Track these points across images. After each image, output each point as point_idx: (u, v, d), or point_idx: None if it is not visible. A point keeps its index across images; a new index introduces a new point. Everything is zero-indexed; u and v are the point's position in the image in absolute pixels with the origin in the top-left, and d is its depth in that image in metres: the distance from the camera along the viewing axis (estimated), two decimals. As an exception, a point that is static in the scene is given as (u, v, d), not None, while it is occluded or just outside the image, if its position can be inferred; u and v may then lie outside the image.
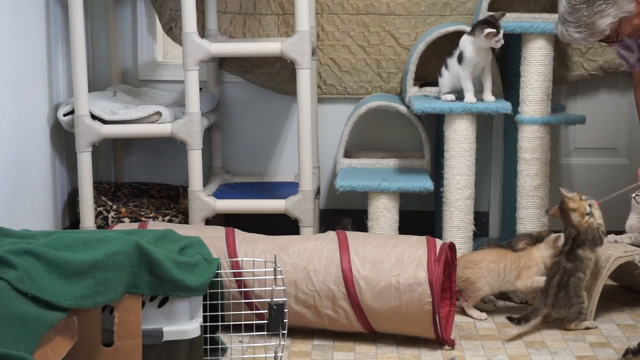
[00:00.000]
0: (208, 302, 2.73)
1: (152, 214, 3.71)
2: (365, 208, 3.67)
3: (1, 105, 3.21)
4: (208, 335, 2.76)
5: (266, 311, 2.86)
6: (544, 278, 3.24)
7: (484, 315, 3.31)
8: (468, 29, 3.82)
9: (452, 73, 3.68)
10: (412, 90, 3.84)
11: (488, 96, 3.65)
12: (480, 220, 4.06)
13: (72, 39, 3.51)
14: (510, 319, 3.09)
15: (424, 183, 3.63)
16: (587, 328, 3.20)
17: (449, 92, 3.69)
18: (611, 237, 3.44)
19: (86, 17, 4.00)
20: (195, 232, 3.11)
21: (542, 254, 3.31)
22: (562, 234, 3.25)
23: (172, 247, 2.63)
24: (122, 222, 3.64)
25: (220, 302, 2.77)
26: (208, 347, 2.77)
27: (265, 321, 2.77)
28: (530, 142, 3.65)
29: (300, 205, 3.55)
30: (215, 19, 3.99)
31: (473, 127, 3.63)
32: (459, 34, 3.92)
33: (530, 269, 3.29)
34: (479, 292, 3.30)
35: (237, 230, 3.21)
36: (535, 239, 3.44)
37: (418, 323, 3.00)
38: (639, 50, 3.35)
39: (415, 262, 2.99)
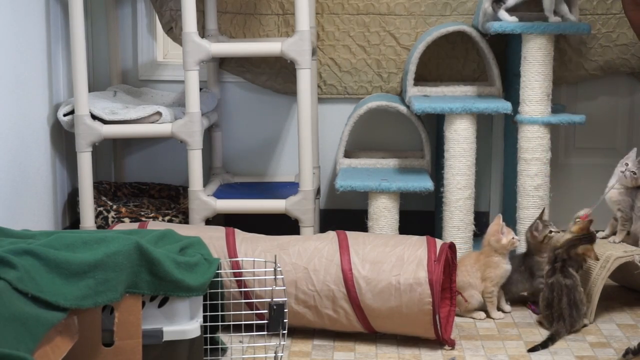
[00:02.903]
0: (208, 302, 2.73)
1: (152, 214, 3.71)
2: (365, 208, 3.67)
3: (1, 105, 3.22)
4: (208, 335, 2.76)
5: (266, 311, 2.86)
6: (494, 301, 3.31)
7: (482, 314, 3.31)
8: (468, 29, 3.83)
9: None
10: (413, 90, 3.84)
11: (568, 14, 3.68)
12: (481, 220, 4.05)
13: (72, 39, 3.51)
14: (532, 349, 3.04)
15: (424, 183, 3.63)
16: (584, 325, 3.20)
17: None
18: (612, 238, 3.45)
19: (86, 17, 4.00)
20: (195, 232, 3.11)
21: (491, 242, 3.33)
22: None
23: (172, 247, 2.63)
24: (122, 222, 3.64)
25: (220, 302, 2.77)
26: (208, 347, 2.77)
27: (266, 321, 2.77)
28: (530, 142, 3.65)
29: (301, 205, 3.55)
30: (215, 19, 3.99)
31: (473, 127, 3.63)
32: (459, 34, 3.93)
33: (491, 271, 3.31)
34: (471, 305, 3.32)
35: (237, 230, 3.21)
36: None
37: (418, 323, 3.00)
38: None
39: (416, 262, 2.99)
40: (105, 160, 4.17)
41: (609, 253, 3.28)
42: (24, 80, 3.42)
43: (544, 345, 3.03)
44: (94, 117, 3.56)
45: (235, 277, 3.03)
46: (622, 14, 3.95)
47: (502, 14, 3.63)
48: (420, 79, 3.96)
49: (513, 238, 3.31)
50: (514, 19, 3.63)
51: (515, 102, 3.70)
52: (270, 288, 2.79)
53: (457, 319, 3.25)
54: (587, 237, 3.23)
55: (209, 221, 3.62)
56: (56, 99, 3.74)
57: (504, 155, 4.07)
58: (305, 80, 3.47)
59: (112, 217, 3.69)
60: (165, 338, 2.54)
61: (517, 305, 3.43)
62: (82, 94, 3.52)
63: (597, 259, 3.22)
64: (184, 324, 2.57)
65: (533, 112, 3.64)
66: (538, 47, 3.60)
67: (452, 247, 3.13)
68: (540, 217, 3.44)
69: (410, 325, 3.02)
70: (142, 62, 4.14)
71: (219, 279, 2.72)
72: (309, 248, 3.09)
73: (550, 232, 3.38)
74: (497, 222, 3.34)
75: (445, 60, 4.06)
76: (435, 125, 4.08)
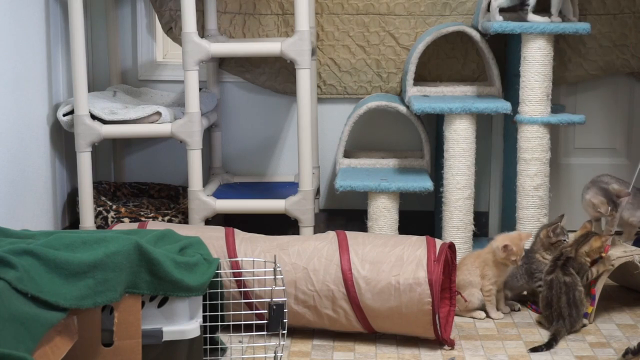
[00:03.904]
0: (208, 302, 2.73)
1: (152, 214, 3.71)
2: (365, 208, 3.67)
3: (1, 105, 3.22)
4: (208, 335, 2.76)
5: (266, 311, 2.86)
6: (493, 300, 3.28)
7: (482, 314, 3.30)
8: (468, 29, 3.83)
9: None
10: (412, 90, 3.84)
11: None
12: (480, 220, 4.06)
13: (72, 39, 3.51)
14: (534, 349, 3.02)
15: (424, 183, 3.63)
16: (583, 325, 3.20)
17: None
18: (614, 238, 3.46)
19: (86, 17, 4.00)
20: (195, 232, 3.11)
21: (493, 246, 3.26)
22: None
23: (172, 247, 2.63)
24: (122, 222, 3.64)
25: (220, 302, 2.77)
26: (208, 347, 2.77)
27: (265, 321, 2.77)
28: (530, 142, 3.65)
29: (300, 205, 3.55)
30: (215, 19, 3.99)
31: (473, 127, 3.63)
32: (458, 34, 3.93)
33: (487, 271, 3.28)
34: (471, 304, 3.31)
35: (236, 230, 3.21)
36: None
37: (418, 323, 3.00)
38: None
39: (415, 262, 2.99)
40: (105, 160, 4.17)
41: (609, 253, 3.27)
42: (24, 80, 3.42)
43: (548, 345, 3.02)
44: (93, 117, 3.56)
45: (235, 277, 3.03)
46: (622, 13, 3.95)
47: (532, 17, 3.62)
48: (419, 79, 3.96)
49: (516, 259, 3.24)
50: (545, 19, 3.64)
51: (515, 102, 3.70)
52: (270, 288, 2.79)
53: (456, 319, 3.25)
54: (594, 233, 3.24)
55: (208, 221, 3.62)
56: (56, 99, 3.74)
57: (504, 155, 4.07)
58: (305, 80, 3.47)
59: (112, 217, 3.69)
60: (165, 338, 2.54)
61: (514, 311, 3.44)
62: (81, 94, 3.52)
63: (612, 235, 3.25)
64: (183, 324, 2.57)
65: (533, 112, 3.64)
66: (538, 47, 3.60)
67: (451, 247, 3.13)
68: (559, 221, 3.41)
69: (410, 325, 3.02)
70: (142, 62, 4.14)
71: (219, 279, 2.72)
72: (309, 248, 3.08)
73: (565, 240, 3.36)
74: (522, 238, 3.25)
75: (445, 60, 4.06)
76: (435, 125, 4.08)
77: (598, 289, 3.24)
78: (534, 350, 3.00)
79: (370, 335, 3.13)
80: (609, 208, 3.44)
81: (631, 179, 3.63)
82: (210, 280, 2.65)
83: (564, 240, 3.36)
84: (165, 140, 4.12)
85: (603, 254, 3.22)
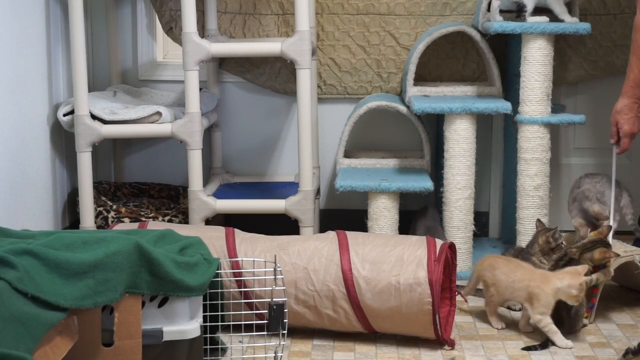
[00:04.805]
0: (208, 302, 2.73)
1: (152, 214, 3.71)
2: (365, 208, 3.67)
3: (1, 105, 3.22)
4: (208, 335, 2.76)
5: (266, 311, 2.86)
6: (554, 328, 3.03)
7: (502, 324, 3.20)
8: (468, 29, 3.83)
9: None
10: (412, 90, 3.84)
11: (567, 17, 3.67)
12: (480, 220, 4.06)
13: (72, 39, 3.51)
14: (528, 348, 3.00)
15: (424, 183, 3.63)
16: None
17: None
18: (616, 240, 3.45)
19: (86, 17, 4.00)
20: (195, 232, 3.11)
21: (558, 285, 3.00)
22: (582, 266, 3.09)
23: (172, 247, 2.63)
24: (122, 222, 3.64)
25: (220, 302, 2.77)
26: (208, 347, 2.77)
27: (265, 321, 2.77)
28: (530, 142, 3.65)
29: (300, 205, 3.55)
30: (215, 19, 3.99)
31: (473, 127, 3.63)
32: (459, 34, 3.94)
33: (539, 299, 3.02)
34: (493, 297, 3.21)
35: (237, 230, 3.21)
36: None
37: (418, 323, 3.00)
38: None
39: (415, 262, 2.99)
40: (105, 160, 4.17)
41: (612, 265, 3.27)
42: (24, 80, 3.42)
43: (543, 345, 3.02)
44: (93, 117, 3.56)
45: (235, 277, 3.03)
46: (622, 13, 3.95)
47: (531, 19, 3.62)
48: (420, 79, 3.96)
49: (578, 297, 3.00)
50: (543, 18, 3.63)
51: (515, 102, 3.70)
52: (270, 288, 2.79)
53: (457, 319, 3.25)
54: (603, 242, 3.21)
55: (208, 221, 3.62)
56: (56, 99, 3.74)
57: (504, 155, 4.07)
58: (305, 80, 3.47)
59: (112, 217, 3.69)
60: (165, 338, 2.54)
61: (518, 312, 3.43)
62: (82, 94, 3.52)
63: (617, 255, 3.20)
64: (183, 324, 2.57)
65: (533, 112, 3.64)
66: (538, 47, 3.60)
67: (451, 247, 3.13)
68: (555, 230, 3.39)
69: (410, 325, 3.02)
70: (142, 62, 4.15)
71: (219, 279, 2.72)
72: (309, 248, 3.08)
73: (562, 243, 3.34)
74: (579, 272, 3.01)
75: (445, 60, 4.06)
76: (435, 125, 4.08)
77: (597, 296, 3.23)
78: (528, 349, 3.00)
79: (371, 335, 3.13)
80: (588, 230, 3.44)
81: (630, 179, 3.63)
82: (211, 280, 2.65)
83: (562, 243, 3.35)
84: (165, 140, 4.13)
85: (608, 263, 3.20)
